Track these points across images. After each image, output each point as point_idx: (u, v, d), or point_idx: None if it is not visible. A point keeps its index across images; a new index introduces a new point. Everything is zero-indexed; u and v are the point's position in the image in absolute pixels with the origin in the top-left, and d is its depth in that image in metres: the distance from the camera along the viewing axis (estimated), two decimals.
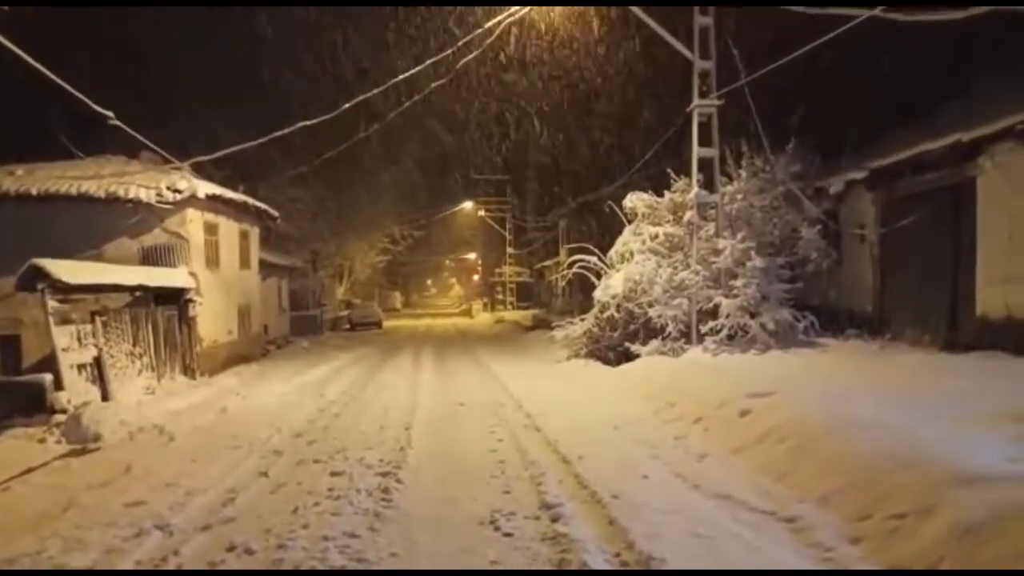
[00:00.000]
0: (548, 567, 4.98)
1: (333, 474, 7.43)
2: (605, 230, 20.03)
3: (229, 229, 19.93)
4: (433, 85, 17.43)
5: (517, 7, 14.57)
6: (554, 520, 5.79)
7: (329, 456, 8.31)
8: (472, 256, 68.55)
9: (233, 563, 5.18)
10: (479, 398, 12.56)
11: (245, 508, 6.42)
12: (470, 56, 15.90)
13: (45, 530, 5.96)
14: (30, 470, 8.33)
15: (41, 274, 11.62)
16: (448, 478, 7.29)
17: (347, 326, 38.99)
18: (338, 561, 5.08)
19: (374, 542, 5.45)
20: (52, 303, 11.77)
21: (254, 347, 21.62)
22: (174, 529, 5.84)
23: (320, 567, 5.00)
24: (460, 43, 14.99)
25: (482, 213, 49.41)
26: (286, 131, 16.37)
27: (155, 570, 5.07)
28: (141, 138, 15.01)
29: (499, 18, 14.60)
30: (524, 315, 37.43)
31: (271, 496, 6.81)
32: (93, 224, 16.02)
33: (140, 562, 5.25)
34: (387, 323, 41.76)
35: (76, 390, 11.76)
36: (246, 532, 5.71)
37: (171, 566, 5.17)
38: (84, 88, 12.54)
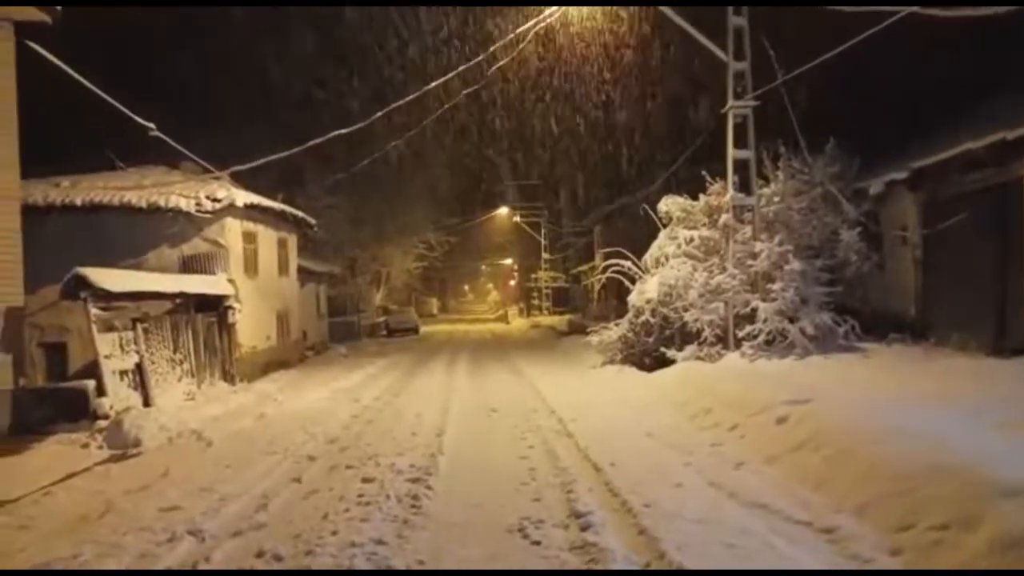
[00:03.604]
0: None
1: (364, 480, 7.45)
2: (641, 234, 19.86)
3: (267, 237, 20.24)
4: (465, 92, 17.55)
5: (550, 7, 14.53)
6: (584, 529, 5.71)
7: (361, 462, 8.34)
8: (508, 261, 68.65)
9: (262, 569, 5.20)
10: (512, 404, 12.52)
11: (277, 514, 6.46)
12: (503, 61, 15.95)
13: (82, 534, 6.08)
14: (72, 475, 8.50)
15: (84, 283, 11.90)
16: (478, 485, 7.25)
17: (384, 332, 39.28)
18: (364, 567, 5.08)
19: (401, 549, 5.44)
20: (95, 311, 12.05)
21: (292, 353, 21.90)
22: (206, 535, 5.90)
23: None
24: (492, 48, 15.02)
25: (517, 219, 49.42)
26: (320, 140, 16.57)
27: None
28: (181, 148, 15.35)
29: (530, 23, 14.58)
30: (560, 320, 37.30)
31: (303, 502, 6.85)
32: (135, 233, 16.41)
33: (171, 567, 5.31)
34: (424, 329, 41.98)
35: (118, 396, 12.01)
36: (276, 538, 5.75)
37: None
38: (127, 101, 12.89)
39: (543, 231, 47.51)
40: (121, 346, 12.53)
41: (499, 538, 5.67)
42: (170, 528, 6.05)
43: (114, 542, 5.82)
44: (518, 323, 47.57)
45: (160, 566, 5.32)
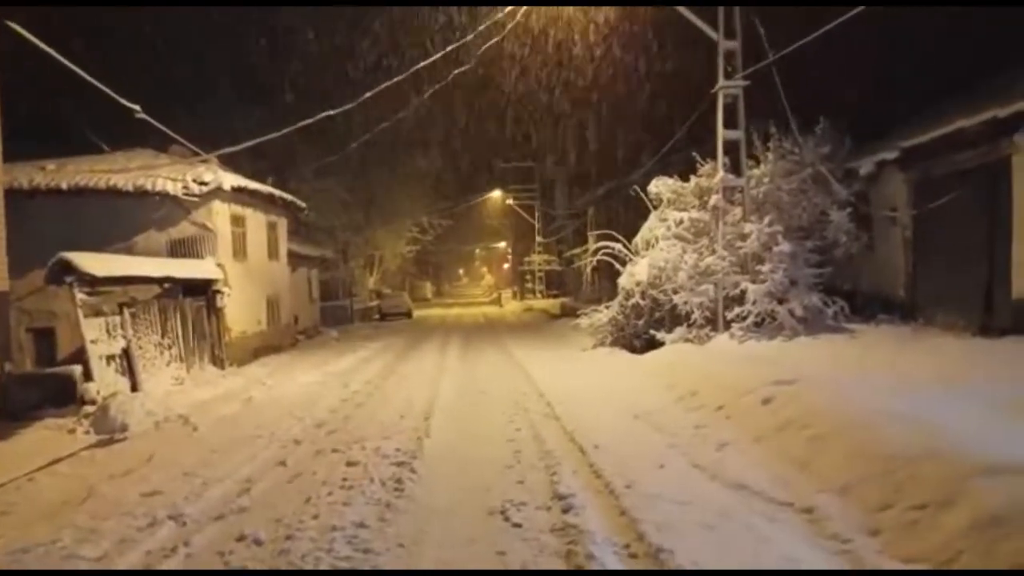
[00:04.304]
0: (554, 558, 4.90)
1: (349, 464, 7.43)
2: (633, 217, 19.79)
3: (257, 220, 20.12)
4: (455, 71, 17.36)
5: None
6: (565, 511, 5.71)
7: (347, 446, 8.32)
8: (502, 245, 68.49)
9: (242, 553, 5.19)
10: (501, 387, 12.52)
11: (259, 498, 6.45)
12: (492, 41, 15.78)
13: (62, 520, 6.06)
14: (56, 460, 8.47)
15: (69, 268, 11.82)
16: (463, 468, 7.25)
17: (377, 316, 39.22)
18: (344, 551, 5.07)
19: (382, 532, 5.43)
20: (80, 296, 11.97)
21: (284, 337, 21.85)
22: (187, 519, 5.88)
23: (326, 558, 4.98)
24: (480, 28, 14.85)
25: (510, 201, 49.24)
26: (309, 121, 16.40)
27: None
28: (168, 131, 15.15)
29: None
30: (553, 303, 37.27)
31: (287, 486, 6.84)
32: (122, 217, 16.29)
33: (151, 551, 5.29)
34: (417, 313, 41.93)
35: (105, 381, 11.98)
36: (257, 522, 5.73)
37: (181, 556, 5.20)
38: (114, 84, 12.71)
39: (537, 214, 47.37)
40: (108, 331, 12.47)
41: (480, 520, 5.66)
42: (151, 513, 6.03)
43: (93, 527, 5.80)
44: (512, 306, 47.55)
45: (140, 551, 5.30)
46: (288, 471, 7.35)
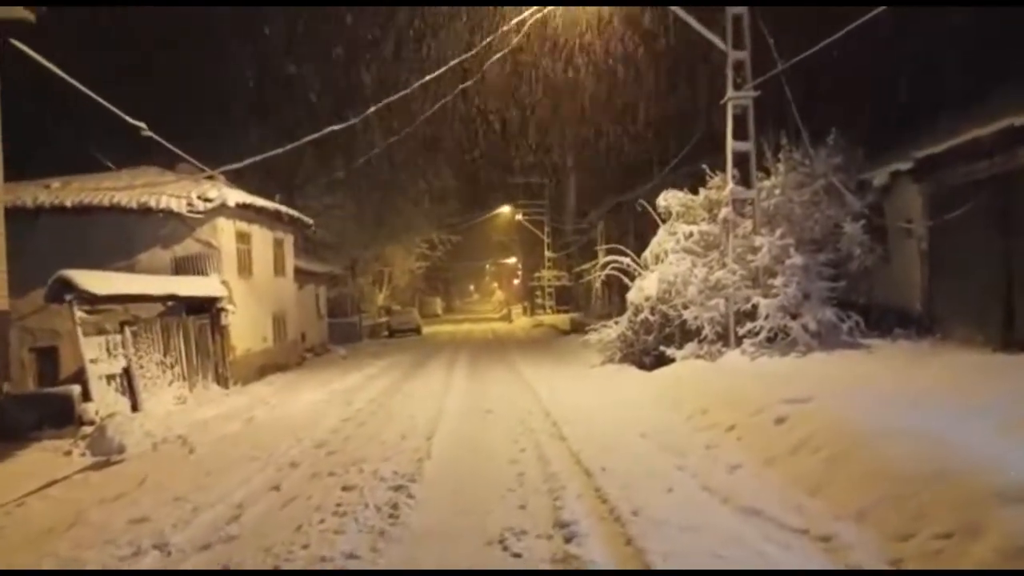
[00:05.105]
0: None
1: (345, 488, 7.16)
2: (643, 230, 19.55)
3: (263, 237, 19.99)
4: (461, 87, 17.26)
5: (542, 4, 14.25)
6: (568, 540, 5.42)
7: (345, 468, 8.06)
8: (512, 260, 68.29)
9: None
10: (507, 406, 12.23)
11: (250, 525, 6.19)
12: (497, 56, 15.63)
13: (46, 548, 5.83)
14: (50, 484, 8.28)
15: (69, 285, 11.68)
16: (463, 492, 6.97)
17: (386, 333, 39.04)
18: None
19: (373, 564, 5.16)
20: (80, 314, 11.82)
21: (290, 355, 21.66)
22: (172, 548, 5.64)
23: None
24: (484, 43, 14.72)
25: (520, 217, 49.07)
26: (314, 136, 16.35)
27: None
28: (174, 148, 15.07)
29: (524, 15, 14.28)
30: (562, 319, 36.96)
31: (279, 512, 6.57)
32: (126, 235, 16.19)
33: None
34: (426, 329, 41.74)
35: (105, 401, 11.79)
36: (244, 552, 5.48)
37: None
38: (122, 102, 12.66)
39: (546, 229, 47.17)
40: (108, 350, 12.30)
41: (478, 550, 5.38)
42: (136, 541, 5.79)
43: (75, 556, 5.57)
44: (521, 322, 47.28)
45: None
46: (282, 496, 7.09)
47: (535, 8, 14.24)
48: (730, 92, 13.69)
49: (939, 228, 12.76)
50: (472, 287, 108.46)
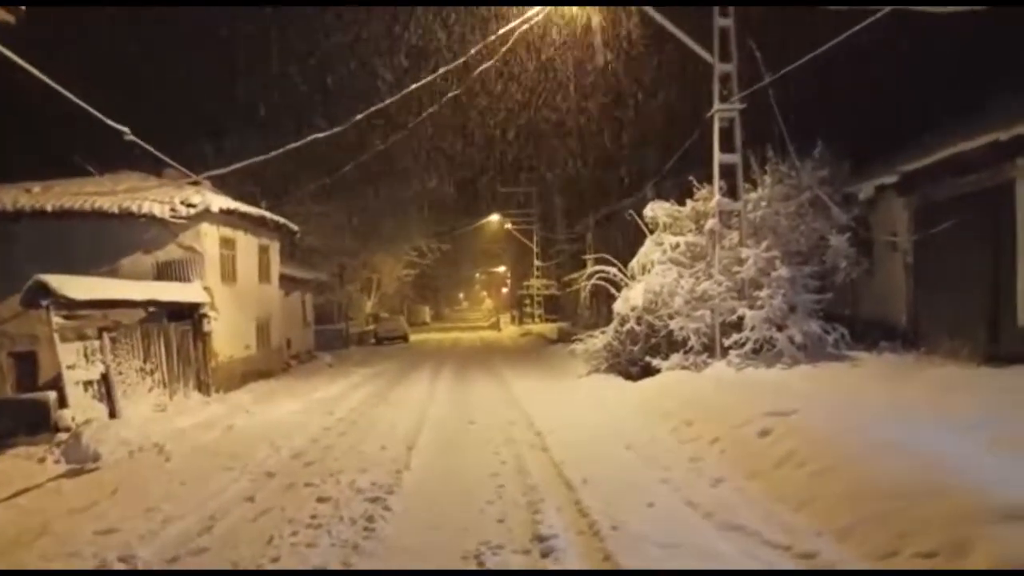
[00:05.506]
0: None
1: (320, 500, 7.01)
2: (631, 241, 19.50)
3: (247, 243, 19.81)
4: (448, 95, 17.14)
5: (534, 7, 14.14)
6: (544, 555, 5.30)
7: (322, 479, 7.91)
8: (502, 269, 68.17)
9: None
10: (490, 416, 12.10)
11: (220, 537, 6.04)
12: (486, 64, 15.55)
13: (8, 560, 5.66)
14: (20, 492, 8.10)
15: (45, 290, 11.48)
16: (440, 505, 6.83)
17: (373, 340, 38.81)
18: None
19: None
20: (57, 319, 11.63)
21: (274, 362, 21.43)
22: (139, 561, 5.48)
23: None
24: (473, 50, 14.62)
25: (509, 226, 49.00)
26: (299, 143, 16.16)
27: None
28: (159, 154, 14.85)
29: (512, 24, 14.20)
30: (551, 328, 36.86)
31: (251, 524, 6.42)
32: (108, 240, 15.96)
33: None
34: (414, 337, 41.51)
35: (81, 407, 11.58)
36: (212, 565, 5.34)
37: None
38: (105, 106, 12.48)
39: (535, 238, 47.10)
40: (86, 356, 12.09)
41: (452, 566, 5.25)
42: (101, 554, 5.63)
43: (41, 568, 5.39)
44: (509, 331, 47.12)
45: None
46: (255, 507, 6.93)
47: (522, 18, 14.15)
48: (716, 104, 13.68)
49: (924, 242, 12.77)
50: (461, 295, 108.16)
